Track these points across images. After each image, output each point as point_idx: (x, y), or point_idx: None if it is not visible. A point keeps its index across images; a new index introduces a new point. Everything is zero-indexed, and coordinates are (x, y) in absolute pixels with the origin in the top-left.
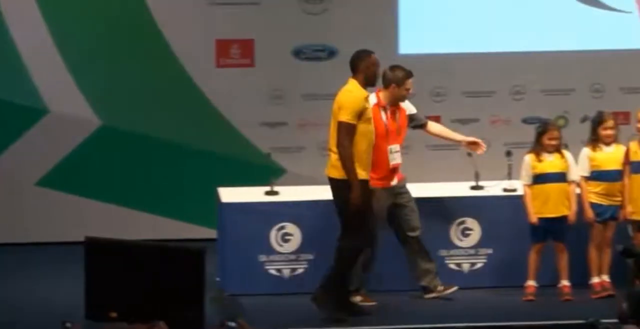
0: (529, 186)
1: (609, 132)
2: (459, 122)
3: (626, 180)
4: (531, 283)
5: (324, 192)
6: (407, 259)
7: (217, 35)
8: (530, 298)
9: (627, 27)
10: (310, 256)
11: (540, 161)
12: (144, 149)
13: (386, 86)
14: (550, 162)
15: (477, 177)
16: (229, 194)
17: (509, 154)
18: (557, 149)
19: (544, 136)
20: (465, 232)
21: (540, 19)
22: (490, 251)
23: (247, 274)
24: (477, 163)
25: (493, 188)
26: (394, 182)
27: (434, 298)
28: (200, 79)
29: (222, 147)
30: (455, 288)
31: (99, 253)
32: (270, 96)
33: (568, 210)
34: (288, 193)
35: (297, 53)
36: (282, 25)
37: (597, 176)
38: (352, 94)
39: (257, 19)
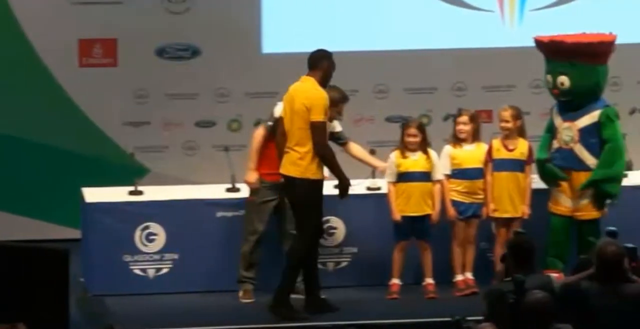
0: (393, 184)
1: (461, 127)
2: None
3: (489, 178)
4: (396, 281)
5: (188, 192)
6: (283, 255)
7: (79, 35)
8: (395, 296)
9: (488, 25)
10: (174, 256)
11: (405, 159)
12: (7, 149)
13: None
14: (415, 161)
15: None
16: (93, 194)
17: (372, 152)
18: (422, 148)
19: (404, 133)
20: (330, 231)
21: (404, 18)
22: (354, 249)
23: (112, 275)
24: (341, 162)
25: (357, 187)
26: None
27: (297, 298)
28: (63, 78)
29: (85, 147)
30: (323, 297)
31: None
32: (133, 96)
33: (431, 209)
34: (152, 193)
35: (161, 52)
36: (145, 25)
37: (458, 174)
38: (319, 93)
39: (120, 18)
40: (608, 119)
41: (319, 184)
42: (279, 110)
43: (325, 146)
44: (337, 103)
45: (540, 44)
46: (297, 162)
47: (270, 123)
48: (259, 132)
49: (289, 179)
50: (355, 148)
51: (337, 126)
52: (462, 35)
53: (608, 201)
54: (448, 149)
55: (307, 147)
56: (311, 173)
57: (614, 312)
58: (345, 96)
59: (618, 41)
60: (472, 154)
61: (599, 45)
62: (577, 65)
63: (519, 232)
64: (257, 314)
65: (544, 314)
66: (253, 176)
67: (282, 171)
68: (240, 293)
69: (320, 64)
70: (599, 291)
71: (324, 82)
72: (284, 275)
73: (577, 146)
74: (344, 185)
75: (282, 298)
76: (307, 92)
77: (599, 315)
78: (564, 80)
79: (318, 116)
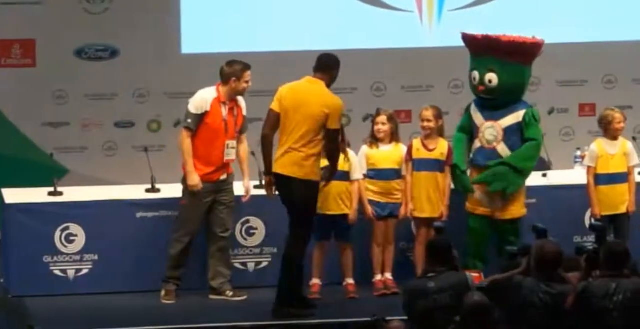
0: None
1: (379, 127)
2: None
3: (408, 178)
4: (316, 281)
5: (108, 192)
6: (209, 256)
7: None
8: (316, 296)
9: (407, 26)
10: (94, 257)
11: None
12: None
13: (225, 80)
14: None
15: (261, 177)
16: (12, 195)
17: (253, 154)
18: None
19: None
20: (250, 232)
21: (323, 18)
22: (275, 250)
23: (32, 276)
24: (260, 163)
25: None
26: (224, 176)
27: (219, 299)
28: None
29: (4, 148)
30: (244, 297)
31: None
32: (52, 96)
33: (349, 209)
34: (72, 194)
35: (79, 53)
36: (64, 25)
37: (373, 174)
38: (338, 102)
39: (38, 19)
40: (533, 119)
41: (318, 185)
42: (196, 107)
43: (338, 150)
44: (242, 73)
45: (470, 39)
46: (301, 163)
47: (189, 121)
48: (185, 134)
49: (288, 179)
50: (243, 150)
51: (243, 107)
52: (381, 36)
53: (503, 189)
54: (364, 150)
55: (316, 150)
56: (314, 175)
57: (543, 308)
58: (246, 64)
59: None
60: (388, 155)
61: (531, 46)
62: (507, 63)
63: (439, 227)
64: (179, 315)
65: (485, 317)
66: (196, 179)
67: (282, 170)
68: (162, 293)
69: (332, 70)
70: (532, 287)
71: (328, 86)
72: (287, 275)
73: (501, 145)
74: (332, 171)
75: (289, 297)
76: (325, 98)
77: (528, 310)
78: (492, 77)
79: (337, 124)
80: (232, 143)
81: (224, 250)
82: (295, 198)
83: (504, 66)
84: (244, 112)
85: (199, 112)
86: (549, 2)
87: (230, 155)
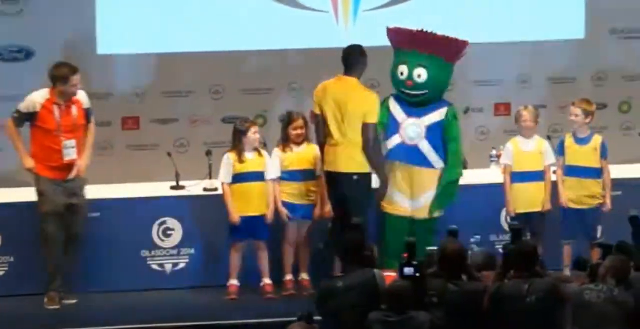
0: (228, 185)
1: (299, 131)
2: (159, 122)
3: (324, 179)
4: (233, 282)
5: (23, 195)
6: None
7: None
8: (233, 297)
9: (322, 26)
10: (10, 259)
11: (240, 160)
12: None
13: (54, 84)
14: (251, 161)
15: (177, 177)
16: None
17: (209, 153)
18: (256, 148)
19: (246, 134)
20: (167, 233)
21: (238, 19)
22: (192, 251)
23: None
24: (177, 163)
25: (193, 188)
26: (71, 176)
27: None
28: None
29: None
30: (75, 301)
31: None
32: None
33: (266, 209)
34: None
35: None
36: None
37: (288, 176)
38: (375, 96)
39: None
40: (454, 118)
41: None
42: (25, 106)
43: (373, 145)
44: (68, 78)
45: (402, 33)
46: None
47: (15, 115)
48: (11, 124)
49: (356, 175)
50: (90, 135)
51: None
52: (296, 36)
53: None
54: (277, 152)
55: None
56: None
57: (455, 306)
58: (73, 68)
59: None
60: (302, 156)
61: (462, 45)
62: (437, 60)
63: (355, 224)
64: (64, 319)
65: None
66: (30, 161)
67: (350, 169)
68: (46, 299)
69: (358, 64)
70: (443, 287)
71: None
72: None
73: (423, 142)
74: (384, 187)
75: None
76: (364, 95)
77: (437, 311)
78: (422, 72)
79: (373, 119)
80: (71, 143)
81: (74, 251)
82: (357, 192)
83: (433, 62)
84: (86, 105)
85: (26, 111)
86: (464, 2)
87: (70, 155)
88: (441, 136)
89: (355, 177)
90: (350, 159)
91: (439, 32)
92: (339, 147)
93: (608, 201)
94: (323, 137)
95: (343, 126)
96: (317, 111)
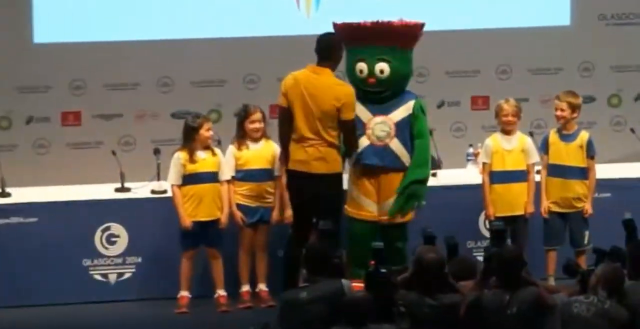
0: (178, 186)
1: (257, 125)
2: (102, 118)
3: (284, 179)
4: (184, 293)
5: None
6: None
7: None
8: (184, 310)
9: (284, 13)
10: None
11: (192, 159)
12: None
13: None
14: (203, 161)
15: (122, 178)
16: None
17: (157, 152)
18: (209, 147)
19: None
20: (111, 240)
21: (193, 6)
22: (139, 259)
23: None
24: (122, 162)
25: (140, 190)
26: None
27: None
28: None
29: None
30: None
31: None
32: None
33: (220, 213)
34: None
35: None
36: None
37: (243, 175)
38: (350, 90)
39: None
40: (421, 112)
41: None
42: None
43: (356, 142)
44: None
45: (351, 28)
46: (337, 158)
47: None
48: None
49: (328, 176)
50: None
51: None
52: (253, 23)
53: (416, 204)
54: (231, 150)
55: (337, 143)
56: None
57: (434, 322)
58: None
59: (424, 29)
60: (259, 154)
61: (419, 28)
62: (397, 50)
63: (324, 229)
64: None
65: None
66: None
67: (320, 169)
68: None
69: (335, 53)
70: (416, 302)
71: (332, 70)
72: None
73: (394, 141)
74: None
75: None
76: (340, 89)
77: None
78: (384, 67)
79: (352, 114)
80: None
81: None
82: (333, 192)
83: (394, 54)
84: None
85: None
86: None
87: None
88: (409, 131)
89: (326, 178)
90: (321, 158)
91: (393, 19)
92: (307, 144)
93: (588, 205)
94: (289, 133)
95: (314, 122)
96: (284, 104)
